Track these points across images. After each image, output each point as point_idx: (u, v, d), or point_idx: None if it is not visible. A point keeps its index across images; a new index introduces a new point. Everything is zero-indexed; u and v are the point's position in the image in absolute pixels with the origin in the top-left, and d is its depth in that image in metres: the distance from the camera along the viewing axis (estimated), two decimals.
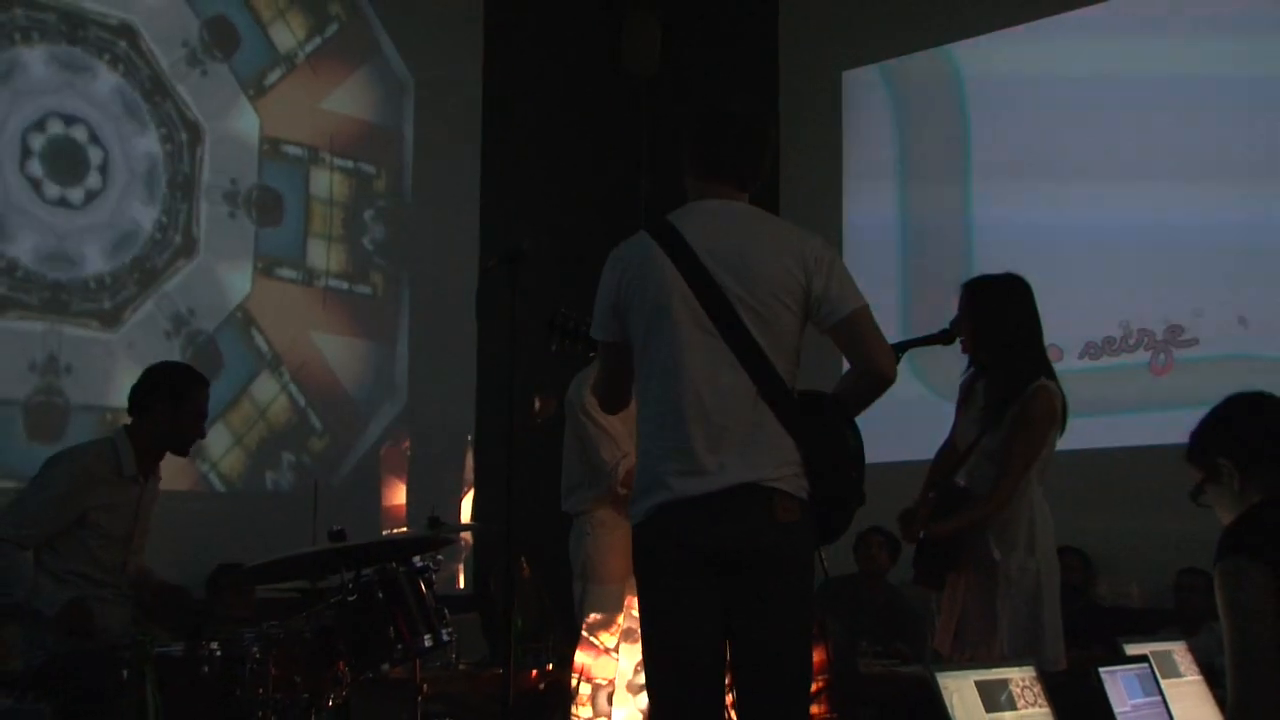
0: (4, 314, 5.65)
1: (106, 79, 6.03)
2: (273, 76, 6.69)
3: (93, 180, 5.97)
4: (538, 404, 4.73)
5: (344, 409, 6.89)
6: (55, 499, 3.84)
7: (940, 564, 3.75)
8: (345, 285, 6.95)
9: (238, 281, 6.49)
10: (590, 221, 7.05)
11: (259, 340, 6.52)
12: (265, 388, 6.55)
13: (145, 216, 6.14)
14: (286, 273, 6.69)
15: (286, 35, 6.76)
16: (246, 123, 6.57)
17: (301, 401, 6.69)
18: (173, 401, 4.00)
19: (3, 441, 5.60)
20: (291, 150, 6.75)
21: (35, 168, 5.77)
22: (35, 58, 5.81)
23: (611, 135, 7.77)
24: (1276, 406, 2.65)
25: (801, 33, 8.15)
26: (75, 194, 5.91)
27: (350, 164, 6.99)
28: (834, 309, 2.90)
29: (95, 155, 5.99)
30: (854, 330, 2.91)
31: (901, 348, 3.62)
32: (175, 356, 5.83)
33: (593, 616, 4.42)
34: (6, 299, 5.66)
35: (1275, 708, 2.28)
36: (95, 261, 5.96)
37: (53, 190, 5.83)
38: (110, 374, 5.85)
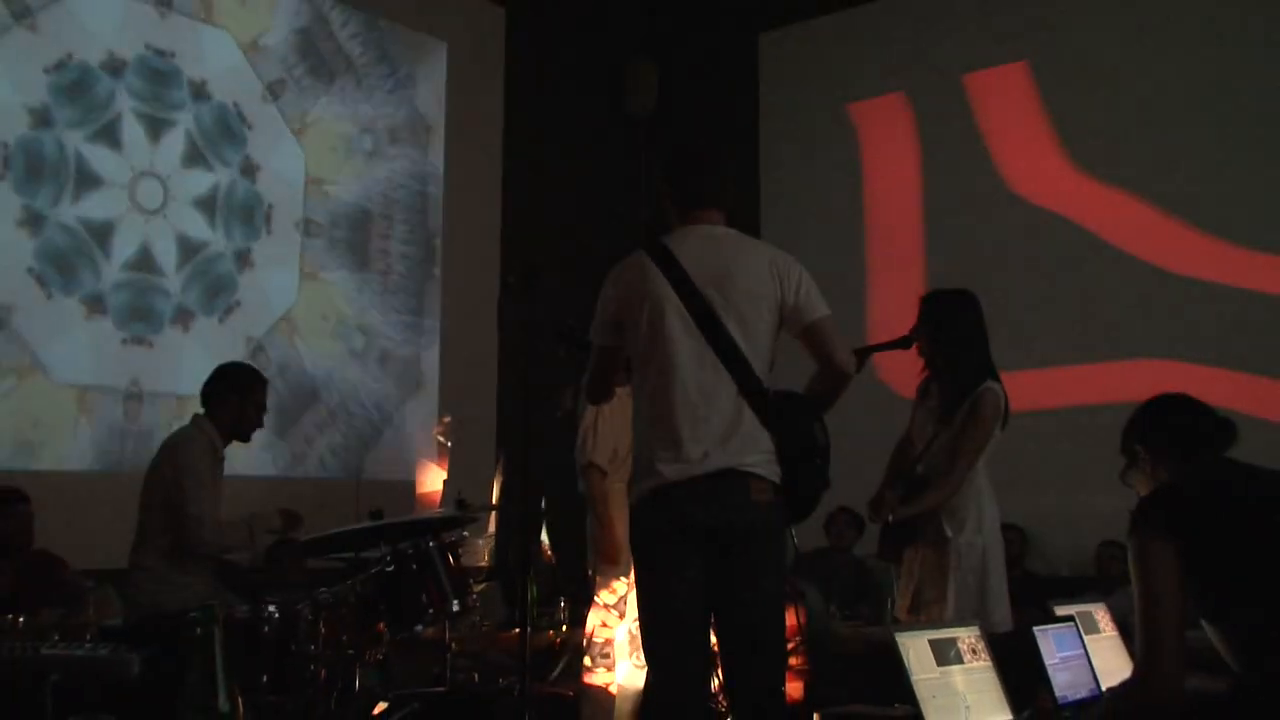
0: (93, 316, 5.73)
1: (185, 126, 6.12)
2: (313, 115, 6.75)
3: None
4: (568, 398, 4.69)
5: (381, 403, 6.93)
6: (204, 481, 3.89)
7: (900, 541, 3.76)
8: (381, 290, 6.98)
9: (286, 291, 6.55)
10: (596, 241, 7.08)
11: (299, 344, 6.57)
12: (310, 387, 6.60)
13: (210, 236, 6.20)
14: (329, 276, 6.75)
15: (327, 83, 6.82)
16: (294, 161, 6.63)
17: (343, 397, 6.74)
18: (238, 397, 4.05)
19: (107, 425, 5.69)
20: (330, 188, 6.81)
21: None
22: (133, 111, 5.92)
23: (615, 167, 7.80)
24: (1185, 405, 2.66)
25: (779, 78, 8.20)
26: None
27: (385, 196, 7.04)
28: (803, 317, 2.93)
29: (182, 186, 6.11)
30: (820, 335, 2.94)
31: (865, 352, 3.63)
32: (234, 353, 5.93)
33: (601, 580, 4.44)
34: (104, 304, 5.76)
35: (1175, 659, 2.31)
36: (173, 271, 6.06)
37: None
38: (183, 367, 5.94)
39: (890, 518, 3.75)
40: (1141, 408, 2.70)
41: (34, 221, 5.50)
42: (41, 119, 5.53)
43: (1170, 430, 2.62)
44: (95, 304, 5.68)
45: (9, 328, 5.37)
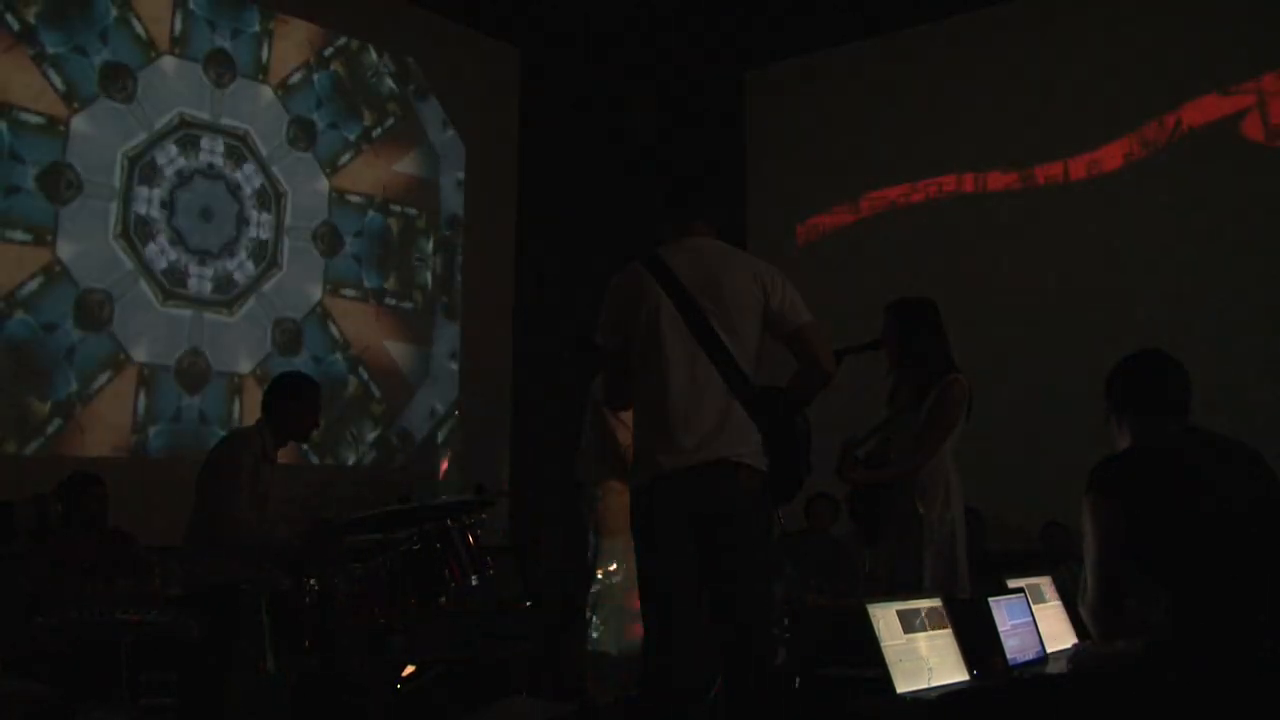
0: (166, 304, 5.83)
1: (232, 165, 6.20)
2: (344, 158, 6.79)
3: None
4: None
5: (409, 398, 6.96)
6: (247, 474, 3.89)
7: (875, 521, 3.76)
8: (394, 302, 7.00)
9: (312, 292, 6.60)
10: (598, 255, 7.09)
11: (333, 330, 6.62)
12: (338, 371, 6.63)
13: (252, 243, 6.26)
14: (348, 291, 6.77)
15: (355, 127, 6.86)
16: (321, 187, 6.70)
17: (365, 376, 6.76)
18: (295, 401, 4.04)
19: (166, 395, 5.80)
20: (354, 199, 6.83)
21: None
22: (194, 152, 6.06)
23: (617, 189, 7.81)
24: (1149, 363, 2.50)
25: (762, 109, 8.23)
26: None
27: (400, 208, 7.07)
28: (787, 322, 2.92)
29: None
30: (803, 338, 2.92)
31: (841, 353, 3.63)
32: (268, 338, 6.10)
33: (603, 559, 4.45)
34: (171, 292, 5.86)
35: (1117, 605, 2.31)
36: (220, 269, 6.14)
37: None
38: (233, 348, 6.04)
39: (861, 494, 3.74)
40: (1116, 365, 2.55)
41: None
42: None
43: (1128, 388, 2.49)
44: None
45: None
